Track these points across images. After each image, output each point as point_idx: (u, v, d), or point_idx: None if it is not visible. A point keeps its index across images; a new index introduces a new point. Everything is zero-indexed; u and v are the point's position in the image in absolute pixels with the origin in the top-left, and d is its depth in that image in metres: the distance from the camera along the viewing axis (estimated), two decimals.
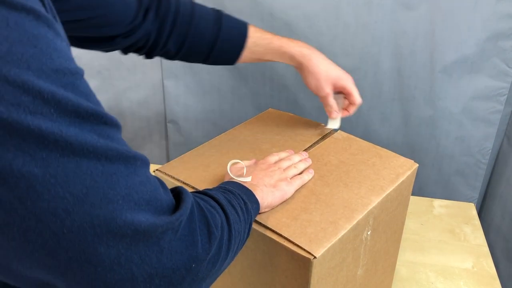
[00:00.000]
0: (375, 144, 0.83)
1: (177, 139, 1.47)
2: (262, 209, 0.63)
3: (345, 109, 0.88)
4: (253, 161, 0.74)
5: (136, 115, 1.45)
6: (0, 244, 0.35)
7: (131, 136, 1.49)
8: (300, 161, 0.74)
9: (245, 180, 0.64)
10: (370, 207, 0.67)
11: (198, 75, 1.36)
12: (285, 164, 0.72)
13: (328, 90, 0.83)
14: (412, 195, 0.83)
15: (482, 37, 1.14)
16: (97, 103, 0.38)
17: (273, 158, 0.73)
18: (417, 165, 0.78)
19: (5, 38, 0.32)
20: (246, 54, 0.81)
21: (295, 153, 0.78)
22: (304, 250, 0.59)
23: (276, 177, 0.67)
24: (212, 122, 1.42)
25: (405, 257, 1.03)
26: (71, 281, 0.37)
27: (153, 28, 0.74)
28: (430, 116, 1.27)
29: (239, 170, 0.69)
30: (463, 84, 1.22)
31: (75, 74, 0.36)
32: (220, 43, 0.78)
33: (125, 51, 0.76)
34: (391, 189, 0.71)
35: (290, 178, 0.69)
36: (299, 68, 0.83)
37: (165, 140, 1.52)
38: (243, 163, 0.71)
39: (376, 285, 0.82)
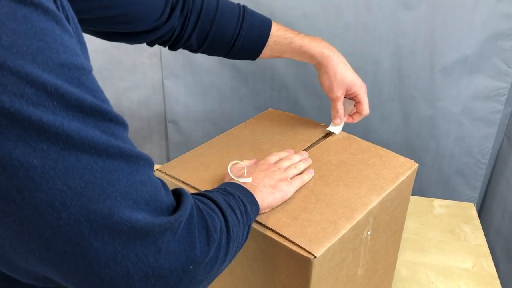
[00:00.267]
0: (375, 144, 0.83)
1: (177, 139, 1.47)
2: (262, 210, 0.63)
3: (351, 116, 0.88)
4: (253, 161, 0.74)
5: (136, 115, 1.45)
6: None
7: (131, 136, 1.46)
8: (300, 161, 0.74)
9: (246, 181, 0.64)
10: (370, 207, 0.67)
11: (198, 75, 1.36)
12: (285, 164, 0.72)
13: (339, 93, 0.83)
14: (412, 195, 0.83)
15: (482, 37, 1.14)
16: (104, 100, 0.38)
17: (273, 158, 0.73)
18: (417, 165, 0.78)
19: (12, 30, 0.32)
20: (267, 52, 0.82)
21: (295, 152, 0.78)
22: (304, 249, 0.59)
23: (276, 178, 0.67)
24: (212, 122, 1.42)
25: (405, 257, 1.03)
26: (66, 274, 0.37)
27: (177, 25, 0.75)
28: (430, 116, 1.27)
29: (239, 170, 0.69)
30: (463, 84, 1.22)
31: (82, 70, 0.36)
32: (241, 41, 0.79)
33: (151, 44, 0.78)
34: (391, 189, 0.71)
35: (290, 178, 0.69)
36: (318, 68, 0.84)
37: (165, 140, 1.52)
38: (244, 163, 0.71)
39: (376, 285, 0.82)
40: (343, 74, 0.81)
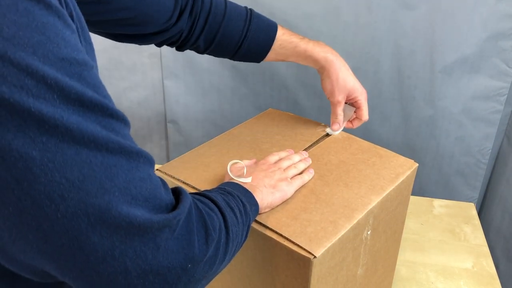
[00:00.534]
0: (375, 144, 0.83)
1: (177, 139, 1.47)
2: (262, 210, 0.63)
3: (350, 121, 0.89)
4: (253, 161, 0.74)
5: (136, 115, 1.45)
6: None
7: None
8: (300, 160, 0.74)
9: (246, 180, 0.64)
10: (370, 207, 0.67)
11: (198, 75, 1.36)
12: (285, 164, 0.72)
13: (340, 98, 0.84)
14: (412, 195, 0.83)
15: (482, 37, 1.14)
16: (105, 96, 0.38)
17: (273, 158, 0.73)
18: (417, 164, 0.78)
19: (13, 22, 0.33)
20: (272, 55, 0.83)
21: (295, 152, 0.78)
22: (304, 249, 0.59)
23: (276, 177, 0.67)
24: (212, 122, 1.42)
25: (405, 257, 1.03)
26: (63, 268, 0.37)
27: (186, 27, 0.76)
28: (430, 116, 1.27)
29: (239, 170, 0.69)
30: (463, 84, 1.22)
31: (83, 65, 0.36)
32: (247, 44, 0.81)
33: (159, 45, 0.79)
34: (391, 188, 0.71)
35: (290, 178, 0.69)
36: (321, 72, 0.85)
37: (165, 140, 1.52)
38: (243, 163, 0.71)
39: (376, 284, 0.82)
40: (345, 79, 0.83)
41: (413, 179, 0.79)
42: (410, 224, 1.12)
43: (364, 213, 0.66)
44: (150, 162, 0.41)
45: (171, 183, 0.74)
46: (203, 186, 0.71)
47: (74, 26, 0.37)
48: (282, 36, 0.82)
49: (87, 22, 0.42)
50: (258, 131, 0.88)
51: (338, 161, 0.78)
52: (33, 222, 0.35)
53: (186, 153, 0.82)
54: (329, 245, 0.60)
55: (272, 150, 0.80)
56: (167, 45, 0.80)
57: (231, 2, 0.81)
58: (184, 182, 0.73)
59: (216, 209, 0.50)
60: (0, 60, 0.32)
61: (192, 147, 0.84)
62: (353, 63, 1.23)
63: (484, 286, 0.95)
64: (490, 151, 1.29)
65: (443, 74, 1.21)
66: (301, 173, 0.72)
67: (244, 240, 0.56)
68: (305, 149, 0.81)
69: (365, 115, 0.86)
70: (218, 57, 0.85)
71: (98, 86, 0.38)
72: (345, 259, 0.66)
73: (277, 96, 1.34)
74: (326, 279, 0.63)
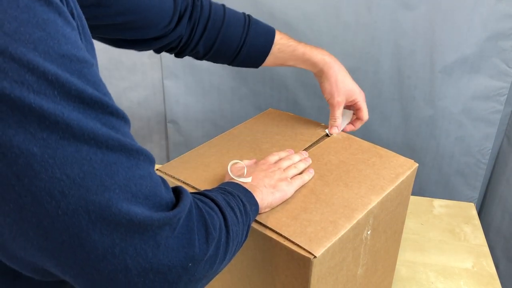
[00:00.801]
0: (375, 144, 0.83)
1: (177, 139, 1.47)
2: (262, 210, 0.63)
3: (352, 123, 0.90)
4: (253, 161, 0.74)
5: (136, 115, 1.46)
6: None
7: None
8: (300, 160, 0.74)
9: (246, 180, 0.64)
10: (370, 207, 0.67)
11: (198, 75, 1.36)
12: (285, 164, 0.72)
13: (340, 99, 0.85)
14: (412, 195, 0.83)
15: (482, 37, 1.14)
16: (106, 93, 0.38)
17: (273, 158, 0.73)
18: (417, 164, 0.78)
19: (14, 18, 0.33)
20: (270, 59, 0.84)
21: (295, 152, 0.78)
22: (304, 249, 0.59)
23: (276, 177, 0.67)
24: (212, 122, 1.42)
25: (405, 257, 1.03)
26: (64, 265, 0.37)
27: (185, 32, 0.77)
28: (430, 116, 1.27)
29: (239, 170, 0.69)
30: (463, 84, 1.22)
31: (83, 63, 0.37)
32: (246, 49, 0.81)
33: (158, 51, 0.79)
34: (391, 188, 0.71)
35: (290, 178, 0.69)
36: (319, 75, 0.86)
37: (165, 140, 1.52)
38: (243, 163, 0.71)
39: (376, 284, 0.82)
40: (344, 81, 0.84)
41: (413, 179, 0.79)
42: (410, 224, 1.12)
43: (364, 213, 0.66)
44: (150, 160, 0.41)
45: (171, 183, 0.74)
46: (203, 186, 0.71)
47: (74, 24, 0.37)
48: (280, 40, 0.83)
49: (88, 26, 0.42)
50: (258, 131, 0.88)
51: (338, 161, 0.78)
52: (34, 219, 0.35)
53: (186, 153, 0.82)
54: (329, 245, 0.60)
55: (272, 150, 0.80)
56: (166, 51, 0.80)
57: (229, 9, 0.81)
58: (184, 182, 0.73)
59: (216, 209, 0.50)
60: (1, 55, 0.32)
61: (192, 147, 0.84)
62: (353, 63, 1.24)
63: (484, 286, 0.95)
64: (490, 151, 1.29)
65: (443, 74, 1.21)
66: (301, 173, 0.72)
67: (244, 239, 0.56)
68: (305, 149, 0.81)
69: (365, 115, 0.88)
70: (217, 63, 0.85)
71: (98, 84, 0.38)
72: (345, 259, 0.66)
73: (277, 96, 1.34)
74: (326, 279, 0.63)
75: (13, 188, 0.33)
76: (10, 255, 0.38)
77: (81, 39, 0.39)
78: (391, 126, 1.32)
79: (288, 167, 0.71)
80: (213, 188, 0.59)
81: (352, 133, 0.88)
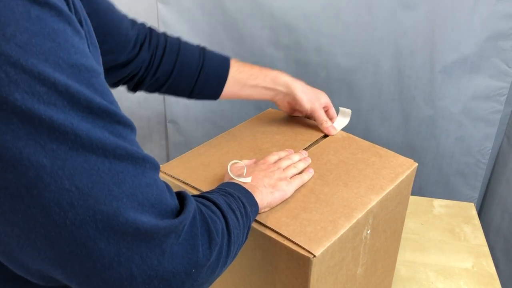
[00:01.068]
0: (375, 143, 0.83)
1: (177, 139, 1.47)
2: (261, 210, 0.63)
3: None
4: (253, 160, 0.74)
5: (136, 115, 1.45)
6: (4, 230, 0.35)
7: None
8: (300, 160, 0.74)
9: (245, 180, 0.64)
10: (369, 206, 0.67)
11: None
12: (284, 163, 0.72)
13: (317, 104, 0.86)
14: (412, 195, 0.83)
15: (482, 37, 1.14)
16: (113, 102, 0.39)
17: (273, 157, 0.73)
18: (417, 164, 0.78)
19: (26, 29, 0.33)
20: (230, 82, 0.82)
21: (295, 152, 0.78)
22: (304, 249, 0.59)
23: (276, 177, 0.67)
24: (212, 122, 1.42)
25: (405, 257, 1.03)
26: (70, 274, 0.37)
27: (146, 58, 0.77)
28: (430, 116, 1.27)
29: (239, 170, 0.69)
30: (463, 84, 1.22)
31: (91, 72, 0.37)
32: (205, 71, 0.80)
33: (116, 84, 0.78)
34: (390, 188, 0.71)
35: (290, 178, 0.69)
36: (281, 98, 0.85)
37: (165, 140, 1.52)
38: (243, 163, 0.71)
39: (376, 284, 0.82)
40: (309, 89, 0.86)
41: (413, 179, 0.79)
42: (410, 224, 1.12)
43: (363, 213, 0.66)
44: (156, 167, 0.41)
45: (171, 183, 0.74)
46: (203, 186, 0.72)
47: (83, 32, 0.38)
48: (236, 62, 0.83)
49: None
50: (258, 131, 0.88)
51: (338, 160, 0.78)
52: (42, 230, 0.35)
53: (186, 153, 0.82)
54: (328, 244, 0.60)
55: (272, 150, 0.80)
56: (125, 82, 0.78)
57: (183, 40, 0.82)
58: (184, 182, 0.73)
59: (218, 212, 0.50)
60: (13, 67, 0.32)
61: (192, 147, 0.84)
62: (353, 63, 1.24)
63: (484, 286, 0.95)
64: (490, 151, 1.29)
65: (443, 74, 1.21)
66: (300, 172, 0.72)
67: (244, 241, 0.56)
68: (305, 149, 0.81)
69: (334, 112, 0.90)
70: (176, 94, 0.83)
71: (105, 93, 0.38)
72: (345, 259, 0.66)
73: None
74: (325, 279, 0.63)
75: (22, 199, 0.34)
76: (18, 263, 0.38)
77: (88, 46, 0.39)
78: (391, 126, 1.32)
79: (288, 166, 0.71)
80: (213, 189, 0.59)
81: (352, 133, 0.88)
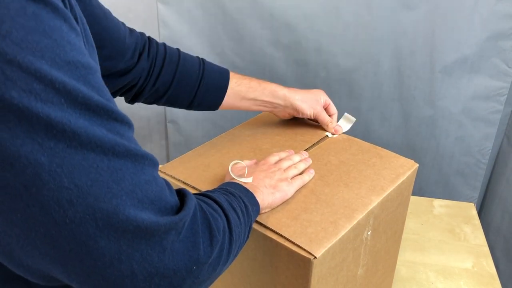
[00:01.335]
0: (375, 144, 0.83)
1: (177, 139, 1.47)
2: (262, 210, 0.63)
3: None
4: (253, 161, 0.74)
5: (136, 115, 1.45)
6: (3, 230, 0.35)
7: None
8: (301, 161, 0.74)
9: (246, 181, 0.64)
10: (370, 207, 0.67)
11: None
12: (285, 164, 0.72)
13: (319, 107, 0.86)
14: (412, 195, 0.83)
15: (482, 37, 1.14)
16: (109, 99, 0.38)
17: (274, 158, 0.73)
18: (417, 165, 0.78)
19: (22, 26, 0.33)
20: (230, 94, 0.81)
21: (296, 153, 0.78)
22: (305, 250, 0.59)
23: (277, 178, 0.67)
24: (212, 122, 1.42)
25: (405, 257, 1.03)
26: (71, 272, 0.37)
27: (145, 67, 0.75)
28: (430, 116, 1.27)
29: (240, 170, 0.69)
30: (463, 84, 1.22)
31: (88, 69, 0.37)
32: (205, 82, 0.79)
33: (117, 92, 0.77)
34: (391, 189, 0.71)
35: (291, 178, 0.69)
36: (278, 107, 0.85)
37: (165, 140, 1.52)
38: (244, 163, 0.71)
39: (376, 285, 0.82)
40: (306, 93, 0.86)
41: (414, 180, 0.79)
42: (410, 224, 1.12)
43: (364, 214, 0.66)
44: (155, 164, 0.41)
45: (171, 183, 0.74)
46: (203, 186, 0.71)
47: (78, 29, 0.38)
48: (235, 75, 0.83)
49: None
50: (258, 131, 0.88)
51: (339, 161, 0.78)
52: (41, 228, 0.35)
53: (186, 153, 0.82)
54: (329, 245, 0.60)
55: (272, 150, 0.80)
56: (123, 93, 0.77)
57: (182, 51, 0.81)
58: (184, 182, 0.73)
59: (219, 210, 0.50)
60: (10, 64, 0.32)
61: (192, 147, 0.84)
62: (353, 63, 1.24)
63: (484, 286, 0.95)
64: (490, 151, 1.29)
65: (443, 74, 1.21)
66: (301, 173, 0.72)
67: (246, 240, 0.56)
68: (306, 150, 0.81)
69: (334, 107, 0.89)
70: (175, 105, 0.82)
71: (102, 90, 0.38)
72: (346, 260, 0.66)
73: None
74: (326, 280, 0.63)
75: (20, 198, 0.33)
76: (17, 263, 0.38)
77: (84, 44, 0.39)
78: (391, 126, 1.32)
79: (289, 167, 0.71)
80: (214, 189, 0.59)
81: (352, 132, 0.88)
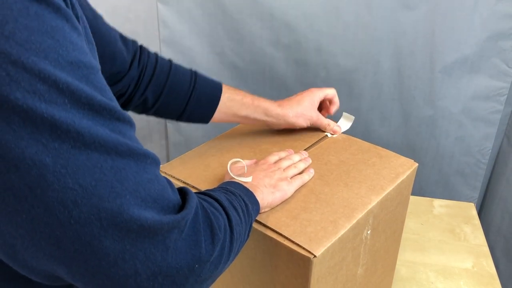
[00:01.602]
0: (375, 144, 0.83)
1: (177, 139, 1.47)
2: (262, 210, 0.63)
3: (327, 111, 0.90)
4: (253, 161, 0.74)
5: (136, 115, 1.45)
6: (8, 231, 0.35)
7: None
8: (300, 160, 0.75)
9: (246, 180, 0.64)
10: (370, 207, 0.67)
11: None
12: (285, 163, 0.72)
13: (314, 115, 0.85)
14: (412, 195, 0.83)
15: (482, 37, 1.14)
16: (111, 98, 0.38)
17: (273, 157, 0.73)
18: (417, 164, 0.78)
19: (25, 27, 0.33)
20: (221, 108, 0.80)
21: (295, 152, 0.78)
22: (304, 249, 0.59)
23: (276, 177, 0.67)
24: (212, 122, 1.42)
25: (405, 257, 1.03)
26: (75, 273, 0.37)
27: (135, 75, 0.74)
28: (430, 116, 1.27)
29: (239, 169, 0.69)
30: (463, 84, 1.22)
31: (90, 69, 0.37)
32: (196, 94, 0.78)
33: None
34: (391, 188, 0.71)
35: (290, 178, 0.69)
36: (276, 120, 0.83)
37: (165, 140, 1.52)
38: (244, 162, 0.71)
39: (376, 284, 0.82)
40: (299, 109, 0.84)
41: (413, 179, 0.79)
42: (410, 224, 1.12)
43: (364, 213, 0.66)
44: (156, 162, 0.41)
45: None
46: (203, 186, 0.72)
47: (80, 29, 0.38)
48: (229, 89, 0.81)
49: None
50: (258, 131, 0.88)
51: (338, 161, 0.78)
52: (46, 229, 0.35)
53: (186, 153, 0.82)
54: (329, 244, 0.60)
55: (272, 150, 0.80)
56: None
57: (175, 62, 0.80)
58: (184, 182, 0.73)
59: (220, 209, 0.50)
60: (14, 65, 0.32)
61: (192, 147, 0.84)
62: (353, 63, 1.24)
63: (484, 286, 0.95)
64: (490, 151, 1.29)
65: (443, 74, 1.21)
66: (301, 173, 0.72)
67: (246, 239, 0.56)
68: (305, 149, 0.81)
69: (337, 100, 0.90)
70: (165, 116, 0.80)
71: (104, 89, 0.38)
72: (345, 259, 0.66)
73: (277, 96, 1.34)
74: (326, 279, 0.63)
75: (25, 199, 0.33)
76: (22, 263, 0.38)
77: (85, 43, 0.39)
78: (391, 126, 1.32)
79: (288, 167, 0.71)
80: (215, 188, 0.59)
81: (352, 132, 0.88)
